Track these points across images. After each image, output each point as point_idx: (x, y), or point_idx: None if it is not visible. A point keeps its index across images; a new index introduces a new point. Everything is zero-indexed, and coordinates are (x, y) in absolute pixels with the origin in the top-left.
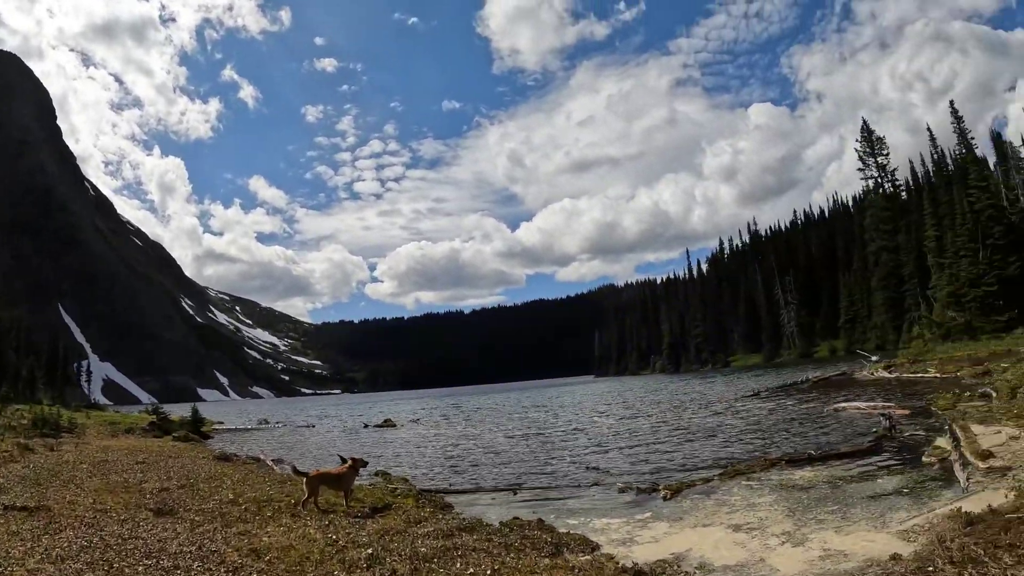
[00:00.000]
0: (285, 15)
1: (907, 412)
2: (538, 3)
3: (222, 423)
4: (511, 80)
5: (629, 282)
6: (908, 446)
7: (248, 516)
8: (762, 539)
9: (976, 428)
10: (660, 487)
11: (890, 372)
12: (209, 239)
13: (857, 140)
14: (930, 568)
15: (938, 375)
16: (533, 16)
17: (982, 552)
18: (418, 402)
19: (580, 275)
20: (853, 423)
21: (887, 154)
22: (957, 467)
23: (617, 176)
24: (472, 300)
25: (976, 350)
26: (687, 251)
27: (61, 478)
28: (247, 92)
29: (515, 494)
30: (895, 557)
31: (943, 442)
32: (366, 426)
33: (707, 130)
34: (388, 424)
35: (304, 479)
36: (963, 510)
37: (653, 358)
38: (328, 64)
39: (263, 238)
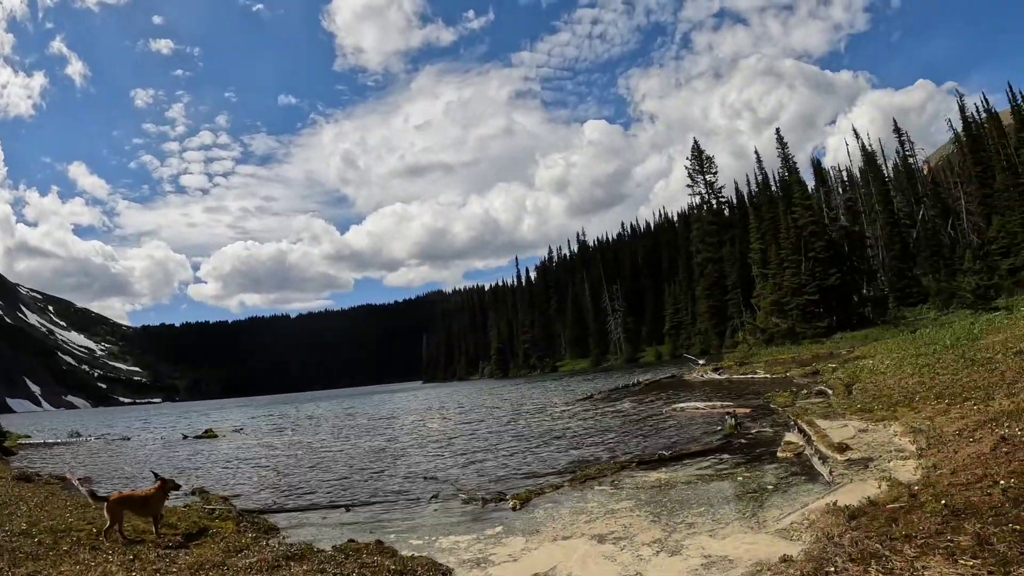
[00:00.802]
0: None
1: (748, 410)
2: (387, 3)
3: (28, 437)
4: (351, 79)
5: (457, 288)
6: (757, 443)
7: (41, 552)
8: (633, 550)
9: (822, 423)
10: (507, 496)
11: (719, 374)
12: (23, 230)
13: (687, 158)
14: (830, 569)
15: (768, 375)
16: (381, 15)
17: (880, 546)
18: (242, 410)
19: (408, 280)
20: (694, 423)
21: (715, 172)
22: (816, 461)
23: (450, 182)
24: (298, 304)
25: (799, 353)
26: (516, 259)
27: None
28: (75, 68)
29: (348, 511)
30: (786, 559)
31: (793, 437)
32: (185, 437)
33: (542, 142)
34: (209, 435)
35: (104, 505)
36: (840, 504)
37: (482, 363)
38: (164, 45)
39: (81, 231)
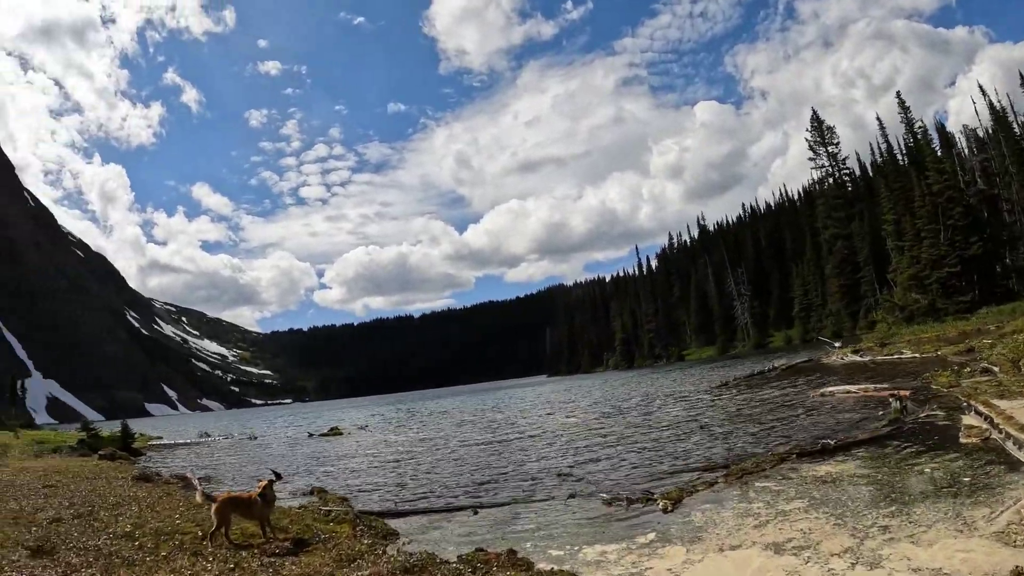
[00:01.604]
0: (229, 16)
1: (907, 393)
2: (485, 3)
3: (160, 438)
4: (457, 81)
5: (578, 281)
6: (931, 428)
7: (139, 557)
8: (820, 562)
9: (1001, 403)
10: (656, 496)
11: (861, 356)
12: (153, 249)
13: (807, 130)
14: None
15: (916, 355)
16: (479, 16)
17: None
18: (368, 408)
19: (529, 276)
20: (847, 408)
21: (837, 143)
22: (1011, 446)
23: (564, 176)
24: (421, 304)
25: (943, 330)
26: (636, 248)
27: None
28: (190, 96)
29: (476, 513)
30: (1019, 572)
31: (973, 420)
32: (311, 435)
33: (653, 128)
34: (334, 432)
35: (213, 507)
36: None
37: (606, 355)
38: (272, 67)
39: (208, 247)
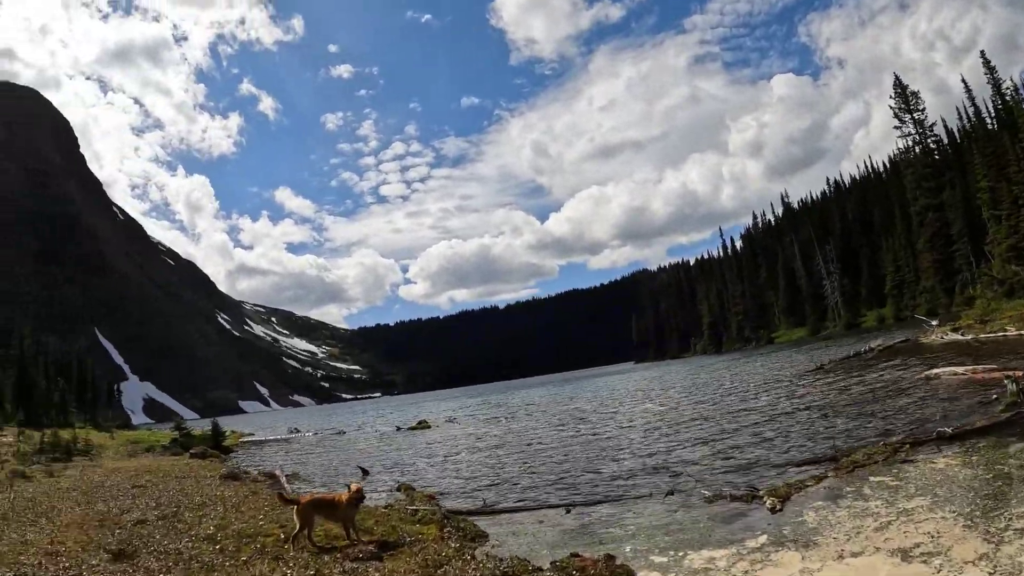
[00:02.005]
0: (297, 24)
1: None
2: None
3: (251, 435)
4: (528, 70)
5: (662, 265)
6: None
7: (218, 561)
8: (955, 572)
9: None
10: (761, 492)
11: (961, 334)
12: (240, 253)
13: (891, 96)
14: None
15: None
16: (546, 3)
17: None
18: (456, 401)
19: (612, 262)
20: (954, 391)
21: (923, 109)
22: None
23: (642, 159)
24: (506, 295)
25: None
26: (719, 229)
27: (36, 511)
28: (266, 104)
29: (569, 512)
30: None
31: None
32: (399, 429)
33: (730, 106)
34: (422, 426)
35: (295, 508)
36: None
37: (693, 340)
38: (344, 70)
39: (293, 248)
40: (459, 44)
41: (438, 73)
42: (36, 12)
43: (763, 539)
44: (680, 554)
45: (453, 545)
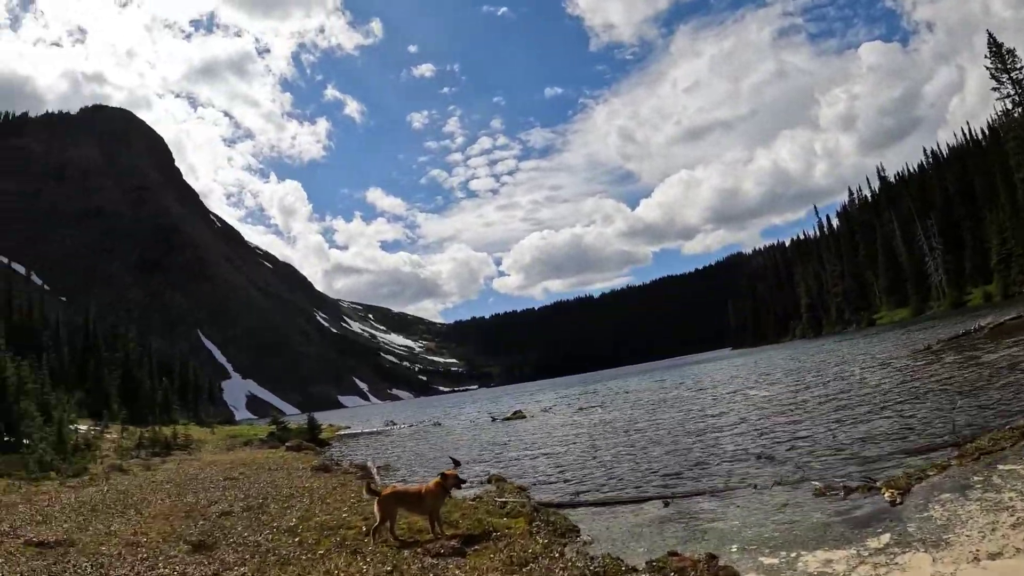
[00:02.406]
0: (376, 27)
1: None
2: None
3: (348, 428)
4: (609, 56)
5: (757, 248)
6: None
7: (295, 554)
8: None
9: None
10: (878, 483)
11: None
12: (336, 253)
13: (985, 57)
14: None
15: None
16: None
17: None
18: (553, 391)
19: (706, 246)
20: None
21: (1021, 68)
22: None
23: (732, 140)
24: (600, 284)
25: None
26: (815, 208)
27: (127, 502)
28: (352, 107)
29: (667, 505)
30: None
31: None
32: (494, 419)
33: (818, 79)
34: (517, 416)
35: (376, 500)
36: None
37: (792, 324)
38: (425, 69)
39: (387, 246)
40: (537, 35)
41: (519, 65)
42: (121, 37)
43: (886, 538)
44: (792, 555)
45: (541, 541)
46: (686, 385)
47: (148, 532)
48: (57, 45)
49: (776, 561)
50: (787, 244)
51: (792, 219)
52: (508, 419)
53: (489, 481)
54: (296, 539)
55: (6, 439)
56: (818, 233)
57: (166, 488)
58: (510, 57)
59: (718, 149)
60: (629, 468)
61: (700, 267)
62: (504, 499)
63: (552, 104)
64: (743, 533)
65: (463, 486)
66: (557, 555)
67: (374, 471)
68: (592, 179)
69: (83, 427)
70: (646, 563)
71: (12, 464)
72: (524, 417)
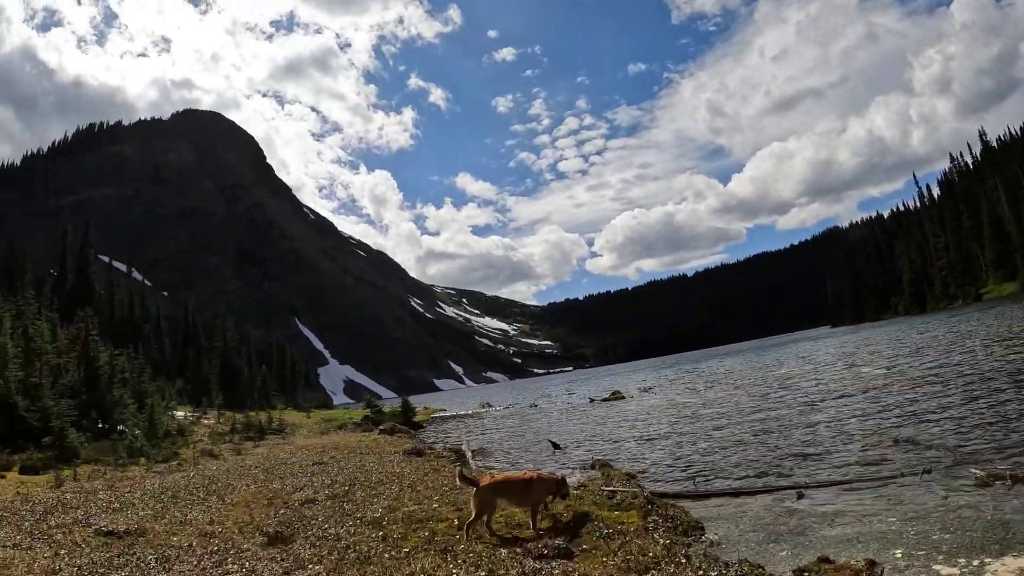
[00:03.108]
0: (454, 14)
1: None
2: None
3: (443, 410)
4: (692, 29)
5: (854, 221)
6: None
7: (378, 551)
8: None
9: None
10: None
11: None
12: (428, 240)
13: None
14: None
15: None
16: None
17: None
18: (649, 371)
19: (801, 221)
20: None
21: None
22: None
23: (823, 108)
24: (694, 262)
25: None
26: (913, 176)
27: (210, 488)
28: (436, 95)
29: (801, 497)
30: None
31: None
32: (592, 400)
33: (910, 40)
34: (616, 397)
35: (473, 492)
36: None
37: (893, 300)
38: (507, 53)
39: (479, 230)
40: (617, 11)
41: (600, 43)
42: (205, 43)
43: None
44: (975, 562)
45: (661, 540)
46: (792, 364)
47: (225, 521)
48: (143, 56)
49: (956, 571)
50: (886, 216)
51: (889, 190)
52: (606, 400)
53: (593, 467)
54: (380, 533)
55: (100, 426)
56: (918, 204)
57: (253, 473)
58: (591, 35)
59: (810, 119)
60: (745, 453)
61: (795, 243)
62: (612, 488)
63: (637, 81)
64: (905, 534)
65: (565, 471)
66: (683, 559)
67: (469, 455)
68: (682, 155)
69: (181, 413)
70: (792, 572)
71: (103, 450)
72: (623, 398)
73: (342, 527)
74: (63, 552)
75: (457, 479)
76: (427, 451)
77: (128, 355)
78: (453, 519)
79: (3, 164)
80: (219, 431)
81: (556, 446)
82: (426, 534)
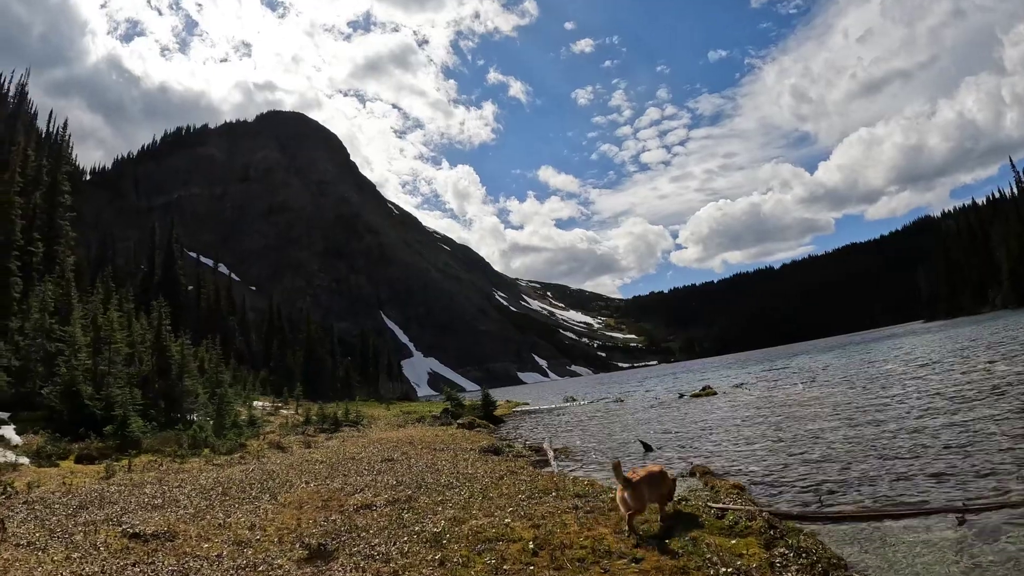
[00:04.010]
0: (530, 6)
1: None
2: None
3: (526, 404)
4: (772, 12)
5: (947, 210)
6: None
7: None
8: None
9: None
10: None
11: None
12: (512, 233)
13: None
14: None
15: None
16: None
17: None
18: (737, 366)
19: (891, 210)
20: None
21: None
22: None
23: (911, 91)
24: (781, 254)
25: None
26: (1010, 161)
27: (266, 485)
28: (516, 89)
29: (962, 523)
30: None
31: None
32: (681, 396)
33: (999, 15)
34: (707, 392)
35: (628, 487)
36: None
37: (991, 293)
38: (585, 45)
39: (562, 224)
40: None
41: (679, 31)
42: (285, 46)
43: None
44: None
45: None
46: (896, 360)
47: (268, 527)
48: (225, 61)
49: None
50: (981, 204)
51: (983, 176)
52: (697, 396)
53: (692, 474)
54: (438, 555)
55: (170, 415)
56: (1016, 190)
57: (316, 469)
58: (669, 23)
59: (898, 102)
60: (867, 462)
61: (885, 233)
62: (722, 505)
63: (718, 68)
64: None
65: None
66: None
67: (551, 455)
68: (767, 144)
69: (260, 404)
70: None
71: (167, 440)
72: (714, 394)
73: (394, 544)
74: (75, 556)
75: (617, 477)
76: (505, 449)
77: (207, 345)
78: (528, 540)
79: (96, 168)
80: (293, 422)
81: (648, 447)
82: (493, 561)
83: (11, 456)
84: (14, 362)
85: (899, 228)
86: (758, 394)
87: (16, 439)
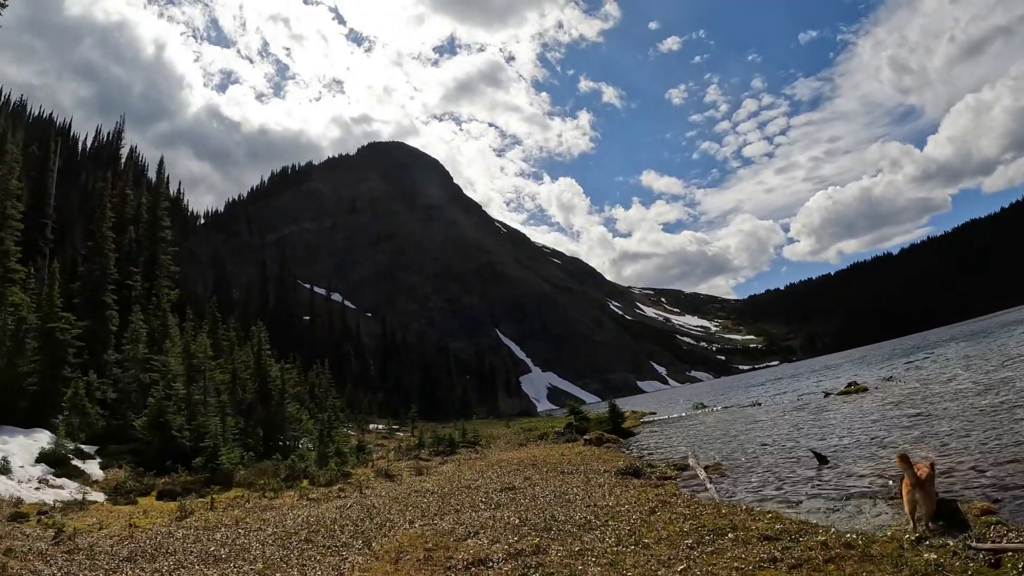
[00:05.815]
0: (612, 9)
1: None
2: None
3: (653, 414)
4: None
5: None
6: None
7: None
8: None
9: None
10: None
11: None
12: (620, 241)
13: None
14: None
15: None
16: None
17: None
18: (870, 361)
19: (1009, 180)
20: None
21: None
22: None
23: (1015, 47)
24: (898, 238)
25: None
26: None
27: (360, 527)
28: (609, 94)
29: None
30: None
31: None
32: (827, 395)
33: None
34: (856, 388)
35: (919, 489)
36: None
37: None
38: (672, 43)
39: (670, 227)
40: None
41: (765, 16)
42: (375, 78)
43: None
44: None
45: None
46: None
47: None
48: (319, 99)
49: None
50: None
51: None
52: (843, 393)
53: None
54: None
55: (270, 443)
56: None
57: (425, 503)
58: (754, 10)
59: (1002, 62)
60: None
61: (1006, 205)
62: (993, 545)
63: (810, 49)
64: None
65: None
66: None
67: (702, 474)
68: (871, 123)
69: (374, 426)
70: None
71: (262, 472)
72: (865, 389)
73: None
74: None
75: (899, 464)
76: (646, 469)
77: (316, 371)
78: None
79: (208, 211)
80: (407, 445)
81: (822, 458)
82: None
83: (84, 493)
84: (111, 395)
85: (1021, 198)
86: (914, 386)
87: (98, 474)
